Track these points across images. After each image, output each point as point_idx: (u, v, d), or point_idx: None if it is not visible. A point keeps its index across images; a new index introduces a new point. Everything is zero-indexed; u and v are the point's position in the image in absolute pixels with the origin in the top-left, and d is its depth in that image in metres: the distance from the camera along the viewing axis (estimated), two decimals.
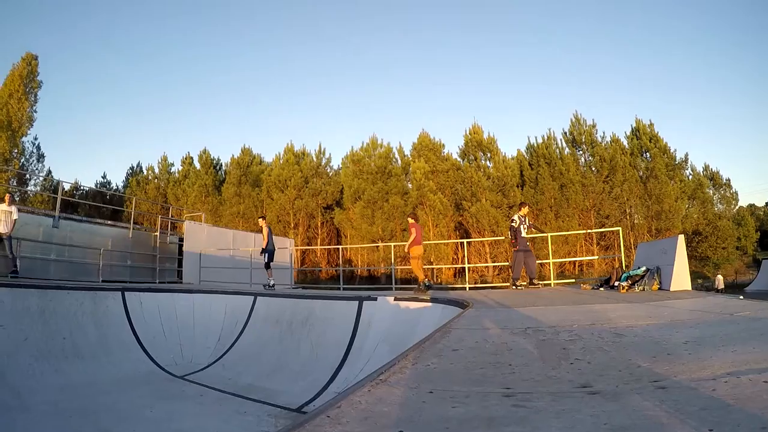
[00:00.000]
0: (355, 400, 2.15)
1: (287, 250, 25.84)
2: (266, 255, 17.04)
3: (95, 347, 11.67)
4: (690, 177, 38.21)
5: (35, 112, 42.48)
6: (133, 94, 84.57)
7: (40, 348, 10.73)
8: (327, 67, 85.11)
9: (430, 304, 10.22)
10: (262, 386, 10.22)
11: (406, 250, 14.26)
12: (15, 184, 40.23)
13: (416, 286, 13.75)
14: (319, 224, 41.69)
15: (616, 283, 11.28)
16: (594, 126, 37.92)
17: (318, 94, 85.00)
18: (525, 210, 13.56)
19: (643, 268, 10.86)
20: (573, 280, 20.47)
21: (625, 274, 11.21)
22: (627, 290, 10.46)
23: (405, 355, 3.46)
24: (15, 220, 14.63)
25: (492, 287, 19.19)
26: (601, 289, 11.78)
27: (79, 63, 78.29)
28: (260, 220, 17.90)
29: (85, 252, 18.61)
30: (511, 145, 72.44)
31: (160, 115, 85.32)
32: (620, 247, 13.46)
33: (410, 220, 14.58)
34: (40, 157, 44.48)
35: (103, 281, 17.26)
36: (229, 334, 13.44)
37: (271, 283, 16.81)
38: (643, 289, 10.33)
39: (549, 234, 15.35)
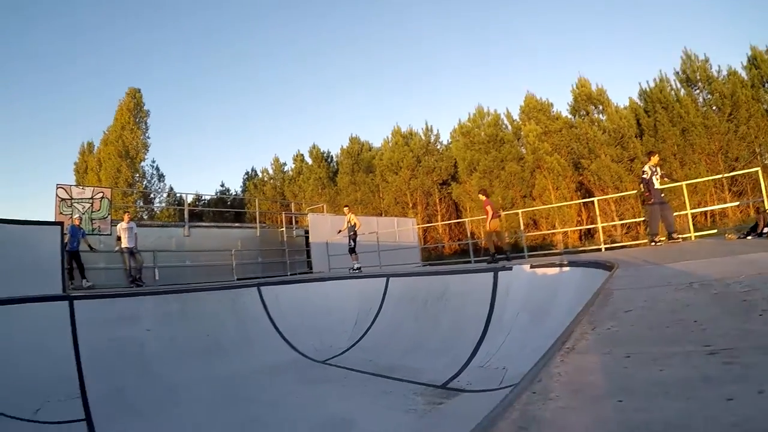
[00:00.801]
0: (553, 372, 2.06)
1: (411, 230, 26.00)
2: (350, 241, 17.63)
3: (237, 341, 12.28)
4: None
5: (148, 138, 45.48)
6: (238, 102, 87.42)
7: (187, 346, 11.48)
8: (422, 45, 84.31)
9: (568, 268, 9.90)
10: (404, 365, 10.26)
11: (487, 228, 15.32)
12: (141, 204, 43.07)
13: (495, 257, 14.81)
14: (437, 201, 41.40)
15: (765, 230, 10.48)
16: (707, 61, 34.29)
17: (417, 72, 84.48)
18: (655, 159, 12.62)
19: None
20: (714, 231, 19.15)
21: None
22: None
23: (578, 321, 3.32)
24: (136, 234, 16.27)
25: (622, 247, 18.40)
26: (749, 237, 10.81)
27: (182, 82, 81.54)
28: (345, 208, 18.50)
29: (217, 255, 19.61)
30: (622, 94, 68.75)
31: (267, 120, 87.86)
32: (762, 190, 12.38)
33: (482, 197, 15.53)
34: (161, 177, 47.34)
35: (237, 279, 18.03)
36: (365, 317, 13.66)
37: (356, 266, 17.27)
38: None
39: (683, 183, 14.27)
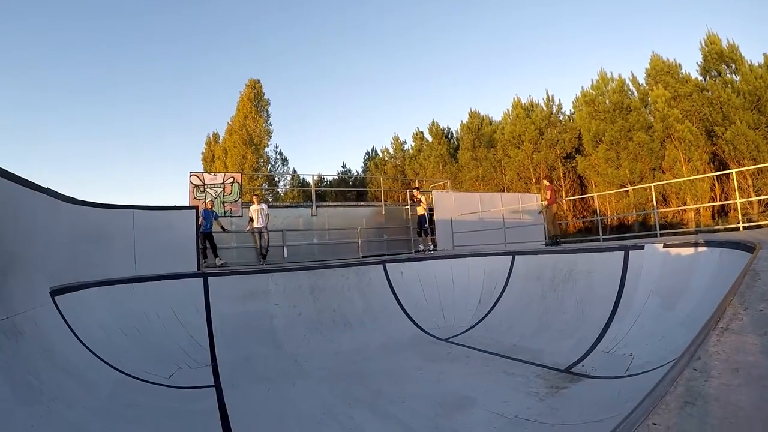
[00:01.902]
0: (711, 351, 2.09)
1: (535, 205, 25.64)
2: (419, 224, 18.57)
3: (362, 316, 12.73)
4: None
5: (270, 125, 47.90)
6: (355, 83, 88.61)
7: (313, 320, 12.12)
8: (538, 9, 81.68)
9: (705, 248, 9.42)
10: (527, 346, 10.21)
11: (544, 208, 16.79)
12: (267, 186, 44.93)
13: (551, 240, 16.47)
14: (561, 175, 40.09)
15: None
16: None
17: (535, 40, 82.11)
18: None
19: None
20: None
21: None
22: None
23: (727, 301, 3.24)
24: (267, 215, 17.40)
25: (760, 226, 17.18)
26: None
27: (301, 66, 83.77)
28: (415, 191, 19.25)
29: (343, 233, 20.24)
30: (756, 50, 63.05)
31: (385, 99, 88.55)
32: None
33: (545, 183, 16.99)
34: (284, 161, 49.83)
35: (363, 257, 18.46)
36: (489, 295, 13.68)
37: (429, 247, 18.32)
38: None
39: None
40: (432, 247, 17.67)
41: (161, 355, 9.45)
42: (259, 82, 47.40)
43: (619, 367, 7.93)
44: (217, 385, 8.41)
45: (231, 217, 18.18)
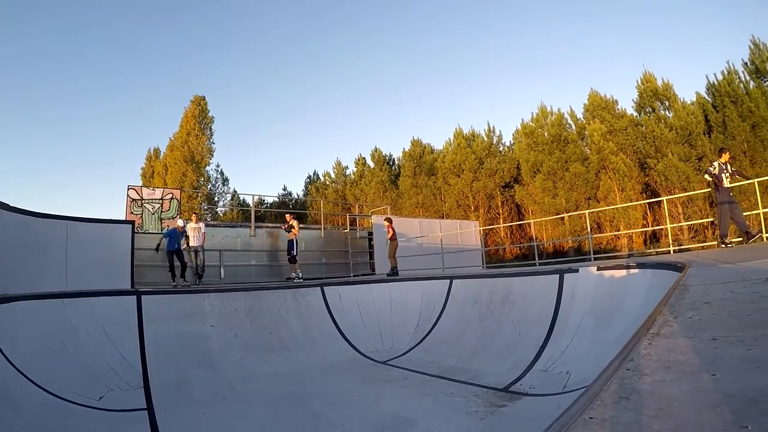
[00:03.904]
0: (643, 353, 2.14)
1: (473, 232, 25.93)
2: (288, 250, 18.29)
3: (300, 339, 12.48)
4: None
5: (213, 143, 47.52)
6: (300, 107, 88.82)
7: (249, 343, 11.76)
8: (481, 45, 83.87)
9: (636, 270, 9.69)
10: (466, 367, 10.25)
11: (391, 248, 18.29)
12: (206, 206, 44.40)
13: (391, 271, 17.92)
14: (500, 203, 41.00)
15: None
16: None
17: (478, 72, 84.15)
18: (726, 156, 12.15)
19: None
20: None
21: None
22: None
23: (658, 311, 3.33)
24: (204, 233, 17.10)
25: (690, 250, 17.91)
26: None
27: (246, 88, 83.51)
28: (288, 215, 19.03)
29: (281, 255, 20.03)
30: (689, 89, 66.59)
31: (329, 124, 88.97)
32: None
33: (386, 223, 18.61)
34: (225, 181, 49.54)
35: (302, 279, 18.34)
36: (427, 318, 13.67)
37: (298, 275, 17.93)
38: None
39: (755, 180, 13.76)
40: (300, 274, 17.61)
41: (91, 375, 9.02)
42: (204, 99, 47.10)
43: (557, 385, 8.03)
44: (150, 408, 8.07)
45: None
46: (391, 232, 18.36)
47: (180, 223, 16.46)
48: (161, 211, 17.60)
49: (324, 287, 14.59)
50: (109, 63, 72.43)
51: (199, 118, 46.22)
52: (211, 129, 47.36)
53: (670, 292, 4.27)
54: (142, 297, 11.63)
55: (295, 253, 18.04)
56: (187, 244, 16.84)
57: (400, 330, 13.57)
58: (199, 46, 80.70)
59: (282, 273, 19.66)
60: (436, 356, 11.48)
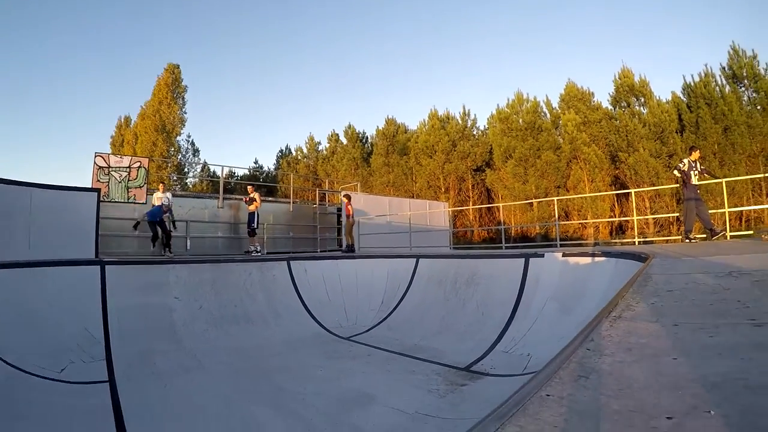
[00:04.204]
0: (604, 334, 2.14)
1: (442, 213, 25.98)
2: (249, 222, 18.01)
3: (264, 313, 12.46)
4: None
5: (185, 113, 46.46)
6: (273, 79, 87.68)
7: (214, 315, 11.69)
8: (461, 27, 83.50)
9: (602, 258, 9.80)
10: (429, 346, 10.33)
11: (349, 226, 18.74)
12: (175, 177, 43.71)
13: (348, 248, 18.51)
14: (470, 186, 41.05)
15: None
16: (755, 57, 32.64)
17: (456, 55, 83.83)
18: (696, 154, 12.38)
19: None
20: (750, 232, 18.79)
21: None
22: None
23: (620, 296, 3.34)
24: (171, 203, 16.61)
25: (652, 242, 18.21)
26: None
27: (221, 60, 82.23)
28: (249, 187, 18.74)
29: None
30: (665, 87, 67.20)
31: (303, 99, 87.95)
32: None
33: (345, 200, 18.78)
34: (196, 152, 48.45)
35: (268, 253, 18.19)
36: (392, 296, 13.72)
37: (257, 248, 17.76)
38: None
39: (723, 180, 14.04)
40: (259, 248, 17.47)
41: (53, 347, 8.86)
42: (178, 67, 46.11)
43: (517, 366, 8.14)
44: (112, 381, 8.00)
45: (135, 203, 17.34)
46: (350, 210, 18.59)
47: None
48: (128, 180, 17.15)
49: (290, 261, 14.54)
50: (77, 26, 70.56)
51: (172, 86, 45.22)
52: (183, 98, 46.38)
53: (633, 279, 4.33)
54: (106, 267, 11.41)
55: (255, 226, 17.80)
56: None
57: (365, 307, 13.63)
58: (175, 13, 79.02)
59: (249, 246, 19.47)
60: (400, 334, 11.53)
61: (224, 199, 19.96)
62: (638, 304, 2.99)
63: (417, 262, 14.05)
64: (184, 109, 46.40)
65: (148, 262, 12.63)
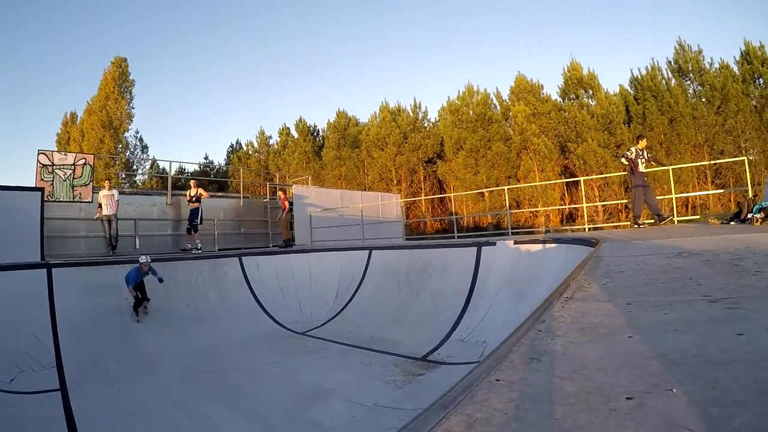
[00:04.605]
0: (556, 315, 2.08)
1: (395, 204, 26.00)
2: (191, 218, 17.35)
3: (217, 311, 12.25)
4: None
5: (132, 108, 44.92)
6: (223, 73, 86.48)
7: (165, 316, 11.43)
8: (411, 18, 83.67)
9: (553, 244, 9.89)
10: (384, 337, 10.34)
11: (282, 217, 19.10)
12: (123, 176, 42.59)
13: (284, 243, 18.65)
14: (422, 178, 41.19)
15: (749, 216, 10.50)
16: (700, 52, 34.15)
17: (407, 47, 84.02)
18: (643, 143, 12.65)
19: None
20: (697, 217, 19.31)
21: (757, 206, 10.37)
22: (761, 222, 9.66)
23: (572, 278, 3.32)
24: (117, 201, 15.94)
25: (601, 228, 18.56)
26: (732, 223, 10.85)
27: (170, 53, 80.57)
28: (192, 182, 18.13)
29: (200, 225, 19.32)
30: (613, 80, 69.08)
31: (253, 90, 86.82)
32: (743, 180, 12.58)
33: (280, 194, 19.23)
34: (144, 148, 46.98)
35: (219, 250, 17.87)
36: (346, 289, 13.68)
37: (197, 246, 17.11)
38: None
39: (669, 167, 14.40)
40: (199, 245, 16.99)
41: (0, 357, 8.58)
42: (125, 60, 44.62)
43: (474, 354, 8.17)
44: (63, 389, 7.75)
45: (80, 202, 16.68)
46: (286, 205, 18.75)
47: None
48: (73, 178, 16.52)
49: (242, 258, 14.35)
50: (19, 18, 68.36)
51: (119, 81, 43.71)
52: (131, 93, 44.81)
53: (584, 262, 4.34)
54: (53, 270, 11.00)
55: (198, 222, 17.10)
56: (100, 213, 15.74)
57: (320, 301, 13.53)
58: (122, 3, 77.08)
59: (206, 241, 18.83)
60: (355, 326, 11.51)
61: (173, 195, 19.50)
62: (590, 285, 2.98)
63: (370, 255, 14.00)
64: (131, 104, 44.89)
65: (96, 264, 12.22)
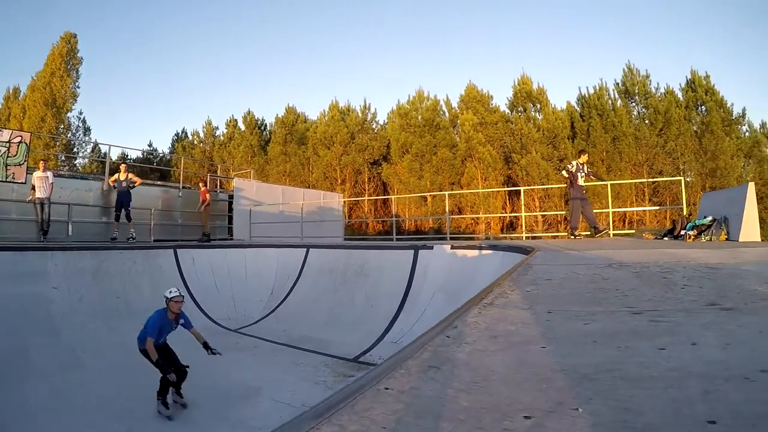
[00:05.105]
0: (470, 321, 1.98)
1: (337, 204, 25.86)
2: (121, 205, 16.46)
3: (149, 305, 11.70)
4: (747, 134, 36.60)
5: (78, 88, 42.88)
6: (173, 61, 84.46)
7: (95, 307, 11.00)
8: (367, 19, 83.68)
9: (489, 251, 9.91)
10: (317, 337, 10.29)
11: (200, 209, 18.36)
12: (63, 158, 41.00)
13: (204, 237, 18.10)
14: (366, 179, 41.21)
15: (682, 233, 10.76)
16: (648, 77, 35.99)
17: (361, 49, 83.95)
18: (584, 158, 13.09)
19: (710, 218, 10.23)
20: (632, 231, 19.87)
21: (690, 224, 10.65)
22: (693, 239, 9.91)
23: (497, 284, 3.25)
24: (51, 184, 14.96)
25: (539, 237, 18.90)
26: (665, 238, 11.15)
27: (118, 35, 78.38)
28: (122, 165, 17.24)
29: (136, 213, 18.59)
30: (561, 96, 71.28)
31: (202, 80, 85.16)
32: (679, 199, 13.04)
33: (202, 186, 18.56)
34: (87, 131, 44.72)
35: (154, 240, 17.36)
36: (281, 287, 13.50)
37: (132, 235, 16.32)
38: (710, 239, 9.67)
39: (608, 182, 14.80)
40: (133, 233, 16.18)
41: None
42: (75, 36, 42.69)
43: None
44: None
45: (13, 182, 15.77)
46: (207, 197, 18.11)
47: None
48: (7, 156, 15.61)
49: (177, 250, 14.01)
50: None
51: (67, 57, 41.53)
52: (78, 71, 42.62)
53: (514, 268, 4.31)
54: None
55: (128, 210, 16.30)
56: (33, 196, 14.71)
57: (254, 298, 13.33)
58: None
59: (142, 231, 17.95)
60: (289, 325, 11.38)
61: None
62: (513, 291, 2.92)
63: (307, 253, 13.84)
64: (77, 83, 42.68)
65: (24, 249, 11.70)
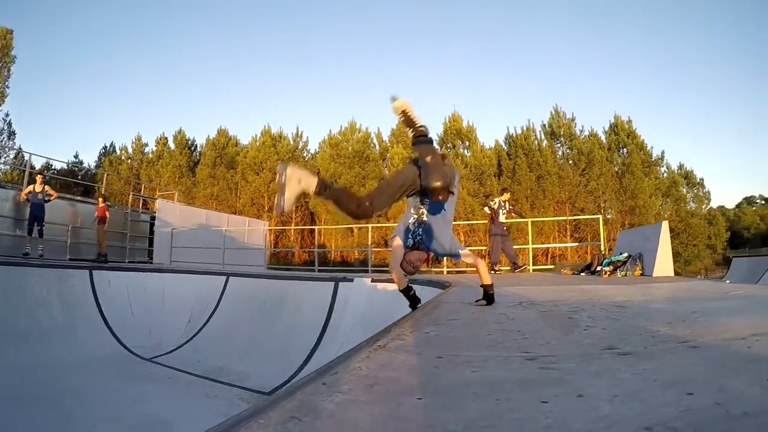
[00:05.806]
0: (353, 366, 1.91)
1: (261, 231, 25.50)
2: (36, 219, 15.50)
3: (60, 327, 11.46)
4: (665, 175, 38.58)
5: (7, 87, 40.33)
6: (106, 73, 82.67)
7: (1, 327, 10.33)
8: (304, 51, 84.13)
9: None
10: (233, 369, 10.13)
11: (96, 226, 17.25)
12: None
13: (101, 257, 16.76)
14: (294, 208, 41.02)
15: (598, 268, 11.07)
16: (573, 120, 38.21)
17: (297, 75, 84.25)
18: (506, 196, 13.78)
19: (625, 254, 10.65)
20: (551, 267, 20.42)
21: (606, 260, 11.00)
22: (609, 275, 10.25)
23: (399, 324, 3.21)
24: None
25: (464, 272, 19.13)
26: (582, 274, 11.53)
27: (53, 39, 76.14)
28: (38, 176, 16.16)
29: (53, 228, 17.73)
30: (489, 135, 73.86)
31: (134, 95, 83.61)
32: (599, 235, 13.55)
33: (100, 201, 17.25)
34: (12, 135, 42.76)
35: (70, 259, 16.66)
36: (199, 315, 13.19)
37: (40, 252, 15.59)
38: (626, 275, 10.10)
39: (529, 219, 15.29)
40: (41, 250, 15.37)
41: None
42: (11, 32, 39.54)
43: None
44: None
45: None
46: (106, 214, 17.17)
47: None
48: None
49: (93, 270, 13.48)
50: None
51: (0, 54, 38.85)
52: (9, 70, 39.84)
53: (422, 307, 4.31)
54: None
55: (43, 225, 15.46)
56: None
57: (171, 325, 12.93)
58: None
59: (49, 250, 17.12)
60: (205, 355, 11.13)
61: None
62: (411, 333, 2.91)
63: (227, 281, 13.62)
64: (7, 83, 40.07)
65: None
